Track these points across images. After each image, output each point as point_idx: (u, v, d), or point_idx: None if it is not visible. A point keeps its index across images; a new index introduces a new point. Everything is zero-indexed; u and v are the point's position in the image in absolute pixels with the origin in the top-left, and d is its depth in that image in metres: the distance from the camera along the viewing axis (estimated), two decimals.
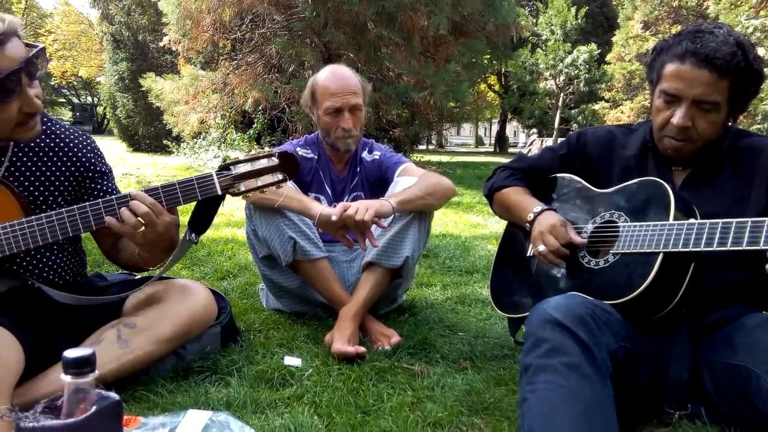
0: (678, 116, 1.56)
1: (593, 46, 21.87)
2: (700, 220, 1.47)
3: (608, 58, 22.64)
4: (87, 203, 1.53)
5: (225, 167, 1.56)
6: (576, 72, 22.15)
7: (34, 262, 1.68)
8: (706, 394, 1.50)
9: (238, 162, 1.56)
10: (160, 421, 1.37)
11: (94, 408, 0.81)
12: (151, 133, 18.31)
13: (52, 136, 1.72)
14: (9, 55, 1.41)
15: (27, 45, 1.48)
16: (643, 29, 20.90)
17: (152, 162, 11.83)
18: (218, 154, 10.60)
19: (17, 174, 1.64)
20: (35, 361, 1.52)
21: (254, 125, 11.07)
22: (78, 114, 36.69)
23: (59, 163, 1.71)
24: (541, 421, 1.23)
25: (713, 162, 1.65)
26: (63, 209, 1.52)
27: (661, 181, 1.60)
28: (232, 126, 11.41)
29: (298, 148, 2.47)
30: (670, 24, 20.50)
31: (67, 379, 0.81)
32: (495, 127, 37.22)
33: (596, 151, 1.87)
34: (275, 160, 1.57)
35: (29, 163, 1.66)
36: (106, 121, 20.95)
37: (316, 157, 2.46)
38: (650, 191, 1.62)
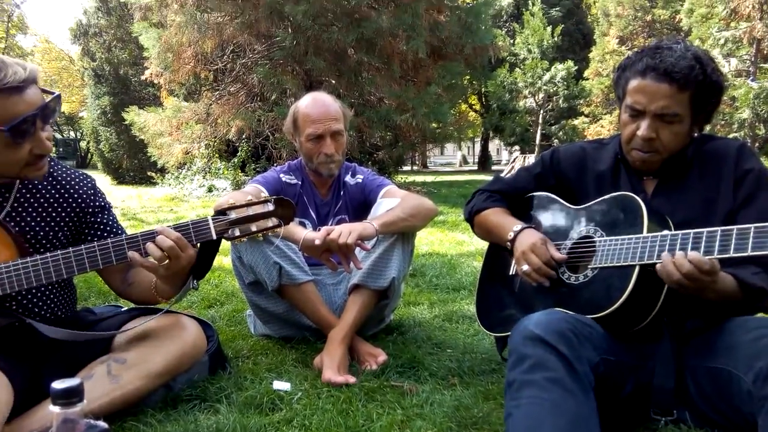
0: (642, 129, 1.62)
1: (570, 63, 22.23)
2: (673, 231, 1.51)
3: (586, 74, 23.04)
4: (109, 241, 1.58)
5: (221, 212, 1.60)
6: (555, 89, 22.50)
7: (28, 297, 1.69)
8: (690, 399, 1.53)
9: (234, 207, 1.59)
10: None
11: None
12: (135, 165, 18.29)
13: (54, 177, 1.78)
14: (27, 100, 1.48)
15: (43, 91, 1.55)
16: (619, 44, 21.35)
17: (137, 194, 11.81)
18: (203, 183, 10.63)
19: (21, 213, 1.68)
20: (24, 398, 1.53)
21: (238, 153, 11.13)
22: (61, 149, 36.53)
23: (61, 202, 1.76)
24: None
25: (681, 169, 1.70)
26: (71, 248, 1.57)
27: (633, 195, 1.65)
28: (217, 155, 11.47)
29: (281, 175, 2.50)
30: (645, 38, 20.97)
31: (56, 409, 0.83)
32: (478, 146, 37.54)
33: (570, 168, 1.92)
34: (270, 206, 1.60)
35: (32, 203, 1.71)
36: (89, 155, 20.93)
37: (299, 182, 2.50)
38: (623, 205, 1.67)
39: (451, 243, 5.16)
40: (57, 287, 1.78)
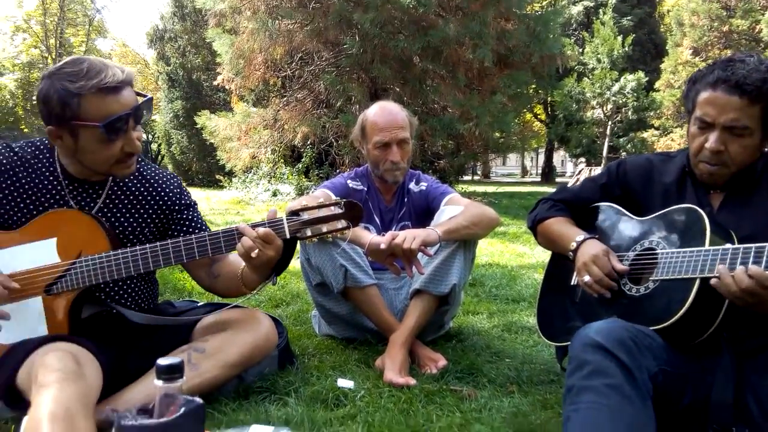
0: (711, 141, 1.62)
1: (641, 73, 21.62)
2: (735, 245, 1.51)
3: (657, 85, 22.34)
4: (216, 231, 1.71)
5: (294, 212, 1.69)
6: (624, 100, 21.90)
7: (115, 289, 1.85)
8: (750, 416, 1.51)
9: (306, 209, 1.68)
10: None
11: (182, 410, 0.93)
12: (204, 168, 18.98)
13: (143, 175, 1.93)
14: (123, 100, 1.64)
15: (137, 93, 1.71)
16: (692, 55, 20.62)
17: (205, 196, 12.25)
18: (268, 188, 10.92)
19: (112, 209, 1.84)
20: (110, 382, 1.65)
21: (303, 159, 11.40)
22: (145, 160, 38.06)
23: (149, 198, 1.91)
24: None
25: (749, 184, 1.69)
26: (169, 241, 1.70)
27: (697, 208, 1.64)
28: (282, 160, 11.78)
29: (348, 181, 2.60)
30: (720, 49, 20.18)
31: (159, 383, 0.94)
32: (541, 157, 37.00)
33: (636, 180, 1.92)
34: (340, 209, 1.68)
35: (122, 200, 1.87)
36: (160, 157, 21.85)
37: (365, 188, 2.59)
38: (687, 218, 1.67)
39: (512, 254, 5.15)
40: (141, 281, 1.93)
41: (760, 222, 1.62)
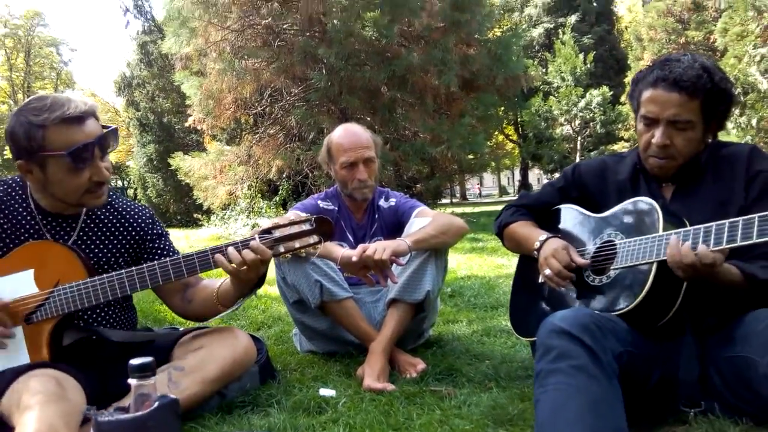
0: (657, 136, 1.73)
1: (605, 88, 22.15)
2: (684, 228, 1.60)
3: (622, 98, 22.84)
4: (191, 253, 1.77)
5: (266, 231, 1.76)
6: (591, 115, 22.38)
7: (93, 316, 1.89)
8: (716, 390, 1.60)
9: (278, 227, 1.75)
10: None
11: (156, 404, 0.98)
12: (181, 208, 18.90)
13: (116, 207, 2.00)
14: (87, 131, 1.72)
15: (103, 126, 1.78)
16: None
17: (185, 236, 12.20)
18: (247, 223, 10.94)
19: (86, 241, 1.90)
20: (92, 404, 1.68)
21: (280, 192, 11.46)
22: (117, 193, 37.87)
23: (121, 230, 1.98)
24: (551, 414, 1.35)
25: (696, 175, 1.80)
26: (134, 268, 1.75)
27: (649, 199, 1.75)
28: (259, 195, 11.81)
29: (319, 201, 2.67)
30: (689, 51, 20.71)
31: (133, 382, 0.99)
32: (518, 176, 37.46)
33: (591, 180, 2.03)
34: (311, 225, 1.75)
35: (96, 231, 1.93)
36: (137, 201, 21.74)
37: (336, 208, 2.66)
38: (640, 209, 1.77)
39: (490, 266, 5.24)
40: (119, 308, 1.97)
41: (709, 210, 1.72)
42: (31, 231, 1.82)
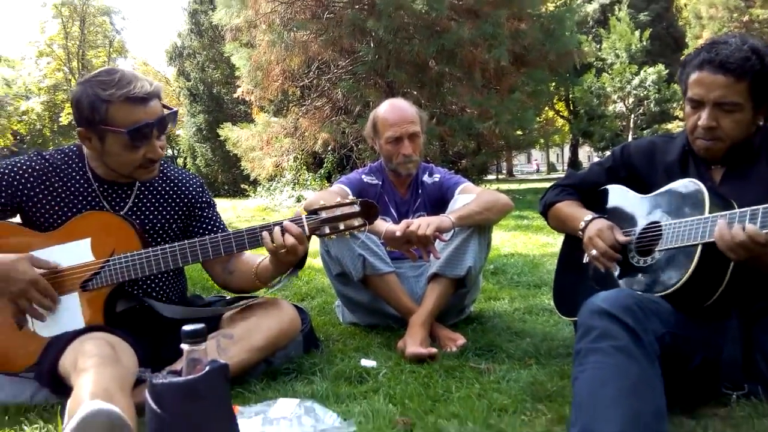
0: (703, 118, 1.70)
1: (661, 66, 21.42)
2: (731, 211, 1.57)
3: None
4: (241, 230, 1.83)
5: (313, 212, 1.80)
6: (645, 93, 21.71)
7: (147, 283, 1.97)
8: (761, 374, 1.58)
9: (325, 208, 1.78)
10: (255, 409, 1.59)
11: (207, 368, 1.03)
12: (229, 179, 19.28)
13: (168, 176, 2.08)
14: (148, 110, 1.79)
15: (164, 106, 1.85)
16: None
17: (231, 206, 12.46)
18: (292, 194, 11.11)
19: (141, 209, 1.98)
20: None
21: (325, 165, 11.59)
22: (169, 162, 38.88)
23: (174, 197, 2.05)
24: (589, 393, 1.35)
25: (748, 158, 1.75)
26: (186, 242, 1.82)
27: (695, 180, 1.72)
28: (304, 167, 11.96)
29: (363, 176, 2.69)
30: (741, 33, 19.83)
31: (185, 347, 1.04)
32: (567, 153, 36.77)
33: (640, 161, 1.99)
34: (357, 207, 1.78)
35: (150, 200, 2.01)
36: (187, 170, 22.28)
37: (380, 182, 2.68)
38: (687, 191, 1.74)
39: (535, 245, 5.19)
40: (171, 276, 2.05)
41: (761, 193, 1.67)
42: (89, 198, 1.90)
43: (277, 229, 1.79)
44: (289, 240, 1.77)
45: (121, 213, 1.93)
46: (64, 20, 34.99)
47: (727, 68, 1.63)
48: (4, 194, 1.84)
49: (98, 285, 1.79)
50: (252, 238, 1.82)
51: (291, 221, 1.79)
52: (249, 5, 11.06)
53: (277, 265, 1.90)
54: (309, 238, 1.83)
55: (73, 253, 1.80)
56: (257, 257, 2.04)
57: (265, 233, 1.80)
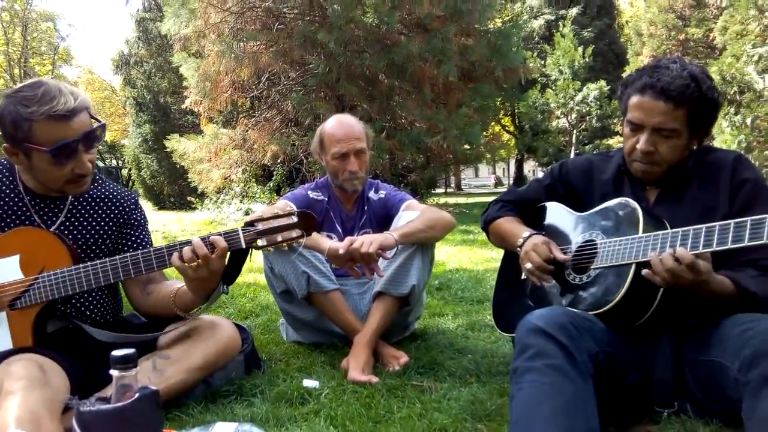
0: (642, 142, 1.76)
1: (603, 82, 22.11)
2: (664, 231, 1.63)
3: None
4: (143, 251, 1.76)
5: (249, 224, 1.76)
6: (587, 109, 22.36)
7: (81, 301, 1.91)
8: (689, 392, 1.64)
9: (261, 219, 1.76)
10: None
11: (137, 395, 1.00)
12: (175, 191, 18.89)
13: (102, 191, 2.02)
14: (74, 126, 1.72)
15: (93, 118, 1.79)
16: None
17: (177, 218, 12.22)
18: (240, 207, 10.96)
19: (73, 223, 1.92)
20: (78, 392, 1.71)
21: (274, 177, 11.48)
22: (103, 177, 37.88)
23: (108, 213, 2.00)
24: (526, 411, 1.39)
25: (681, 180, 1.82)
26: (119, 257, 1.75)
27: (630, 200, 1.78)
28: (253, 179, 11.81)
29: (309, 192, 2.69)
30: (679, 56, 20.73)
31: (115, 373, 1.01)
32: (513, 167, 37.51)
33: (577, 179, 2.05)
34: (295, 218, 1.76)
35: (83, 214, 1.95)
36: (131, 182, 21.74)
37: (326, 198, 2.68)
38: (621, 210, 1.80)
39: (479, 259, 5.27)
40: (104, 294, 1.99)
41: (693, 215, 1.75)
42: (19, 213, 1.84)
43: (186, 248, 1.73)
44: (187, 254, 1.71)
45: (53, 227, 1.87)
46: (4, 26, 33.73)
47: (668, 95, 1.69)
48: None
49: (27, 303, 1.72)
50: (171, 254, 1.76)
51: (226, 234, 1.75)
52: (198, 15, 10.92)
53: (190, 284, 1.82)
54: (247, 250, 1.79)
55: (1, 270, 1.73)
56: (178, 283, 1.97)
57: (175, 254, 1.73)
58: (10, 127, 1.70)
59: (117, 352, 1.00)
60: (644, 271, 1.58)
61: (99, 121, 1.81)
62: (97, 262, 1.75)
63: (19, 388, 1.43)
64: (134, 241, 2.03)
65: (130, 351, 1.01)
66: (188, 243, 1.75)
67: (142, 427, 1.01)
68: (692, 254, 1.51)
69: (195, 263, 1.72)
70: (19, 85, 1.79)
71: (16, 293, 1.72)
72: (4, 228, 1.81)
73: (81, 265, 1.74)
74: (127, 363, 1.01)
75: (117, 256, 1.76)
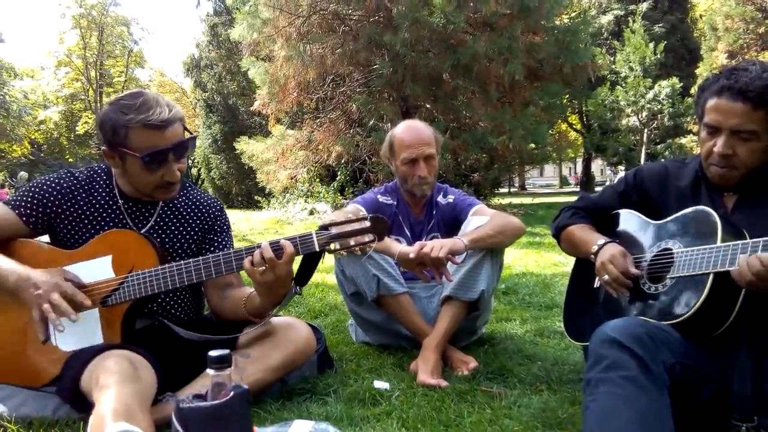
0: (719, 145, 1.71)
1: (675, 79, 21.30)
2: (743, 240, 1.59)
3: (693, 90, 21.92)
4: (223, 253, 1.83)
5: (324, 227, 1.81)
6: (659, 107, 21.59)
7: (166, 300, 2.03)
8: None
9: (335, 224, 1.80)
10: (271, 430, 1.62)
11: (232, 393, 1.07)
12: (243, 190, 19.43)
13: (190, 198, 2.15)
14: (166, 136, 1.85)
15: (186, 130, 1.91)
16: (728, 59, 20.24)
17: (245, 217, 12.57)
18: (305, 207, 11.18)
19: (162, 227, 2.05)
20: (162, 389, 1.80)
21: (338, 177, 11.65)
22: (192, 184, 39.14)
23: (195, 218, 2.12)
24: (599, 423, 1.38)
25: (762, 186, 1.76)
26: (200, 258, 1.83)
27: (708, 208, 1.73)
28: (318, 179, 12.03)
29: (378, 195, 2.73)
30: (757, 51, 19.77)
31: (211, 372, 1.08)
32: (580, 167, 36.67)
33: (653, 186, 2.01)
34: (367, 223, 1.80)
35: (172, 219, 2.08)
36: (200, 181, 22.51)
37: (395, 202, 2.72)
38: (699, 219, 1.76)
39: (546, 264, 5.20)
40: (188, 293, 2.11)
41: None
42: (113, 216, 1.98)
43: (256, 251, 1.78)
44: (257, 258, 1.75)
45: (143, 231, 1.99)
46: (82, 31, 35.53)
47: (746, 96, 1.64)
48: (35, 212, 1.92)
49: (117, 300, 1.84)
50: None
51: (301, 237, 1.80)
52: (270, 23, 11.17)
53: (260, 292, 1.87)
54: (321, 253, 1.84)
55: (94, 269, 1.86)
56: (250, 289, 2.01)
57: (247, 258, 1.79)
58: (110, 132, 1.85)
59: (213, 353, 1.07)
60: (733, 271, 1.54)
61: (191, 133, 1.93)
62: (182, 262, 1.85)
63: (114, 382, 1.53)
64: (217, 246, 2.14)
65: (225, 351, 1.08)
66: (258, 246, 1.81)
67: (237, 423, 1.08)
68: None
69: (262, 267, 1.78)
70: (120, 94, 1.93)
71: (107, 291, 1.84)
72: (99, 228, 1.94)
73: (167, 265, 1.85)
74: (223, 363, 1.08)
75: (200, 257, 1.86)
